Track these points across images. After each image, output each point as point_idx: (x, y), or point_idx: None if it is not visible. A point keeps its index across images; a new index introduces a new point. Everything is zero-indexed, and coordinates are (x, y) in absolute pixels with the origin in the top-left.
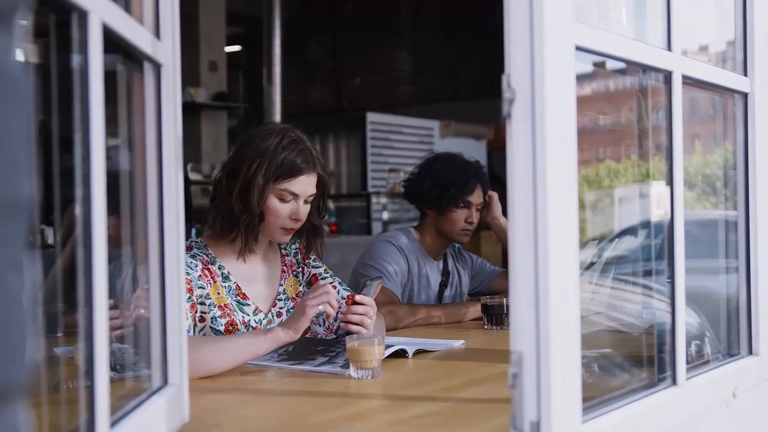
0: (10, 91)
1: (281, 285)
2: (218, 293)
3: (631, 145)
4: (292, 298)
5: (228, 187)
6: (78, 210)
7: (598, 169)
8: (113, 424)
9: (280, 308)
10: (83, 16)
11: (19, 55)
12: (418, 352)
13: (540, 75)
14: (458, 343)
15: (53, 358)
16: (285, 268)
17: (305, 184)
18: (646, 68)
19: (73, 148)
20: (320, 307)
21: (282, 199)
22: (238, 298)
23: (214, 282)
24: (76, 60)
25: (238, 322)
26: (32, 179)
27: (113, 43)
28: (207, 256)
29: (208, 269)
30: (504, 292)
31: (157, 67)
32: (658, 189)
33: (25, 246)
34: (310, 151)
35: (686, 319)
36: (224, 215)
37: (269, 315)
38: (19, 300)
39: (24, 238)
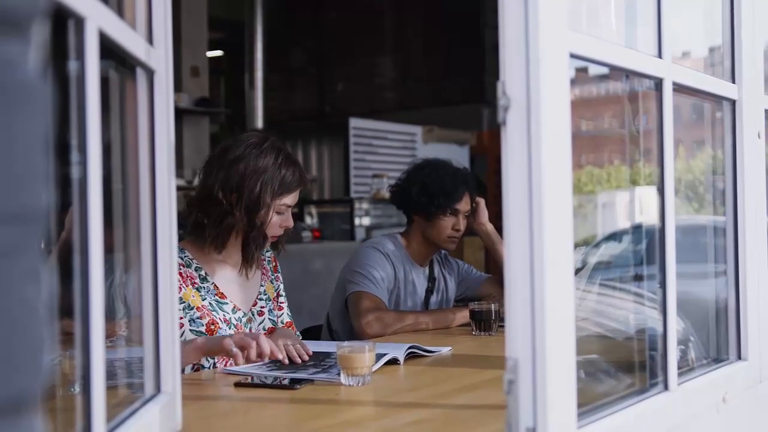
0: (27, 100)
1: (262, 285)
2: (193, 296)
3: (614, 151)
4: (273, 299)
5: (228, 202)
6: (74, 216)
7: (580, 174)
8: None
9: (261, 307)
10: (80, 22)
11: (36, 64)
12: (410, 357)
13: (535, 82)
14: (446, 350)
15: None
16: (264, 270)
17: (297, 196)
18: (637, 75)
19: (69, 154)
20: (234, 349)
21: (278, 212)
22: (217, 297)
23: (187, 286)
24: (72, 66)
25: (218, 320)
26: (49, 188)
27: (107, 48)
28: (182, 259)
29: (180, 274)
30: (491, 297)
31: (150, 73)
32: (641, 194)
33: (41, 255)
34: (300, 164)
35: None
36: (226, 231)
37: (249, 314)
38: (37, 309)
39: (40, 247)
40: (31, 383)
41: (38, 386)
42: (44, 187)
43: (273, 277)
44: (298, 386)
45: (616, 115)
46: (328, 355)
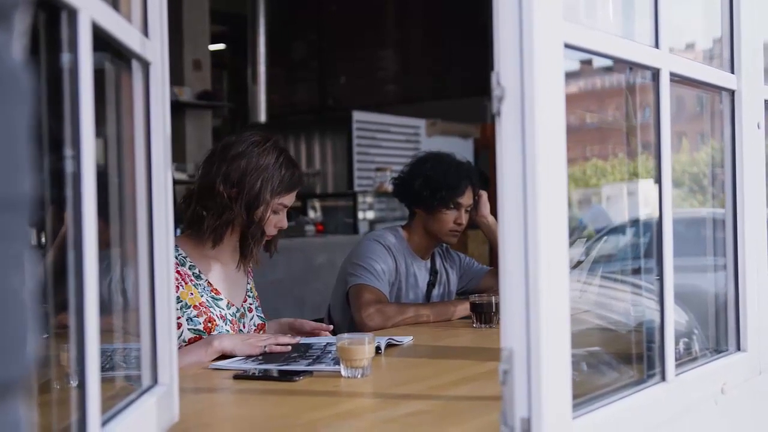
0: (10, 89)
1: (248, 284)
2: (191, 294)
3: (618, 144)
4: (256, 297)
5: (228, 196)
6: (68, 211)
7: (585, 167)
8: (104, 423)
9: (250, 304)
10: (73, 14)
11: (18, 53)
12: (388, 346)
13: (529, 73)
14: (408, 339)
15: (41, 359)
16: (249, 270)
17: (294, 197)
18: (634, 65)
19: (61, 147)
20: (266, 349)
21: (275, 212)
22: (212, 294)
23: (186, 284)
24: (65, 58)
25: (215, 317)
26: (32, 177)
27: (101, 41)
28: (176, 258)
29: (178, 272)
30: (492, 290)
31: (145, 65)
32: (645, 187)
33: (26, 243)
34: (299, 167)
35: (674, 317)
36: (224, 225)
37: (242, 309)
38: (21, 297)
39: (25, 235)
40: (15, 369)
41: (22, 373)
42: (28, 176)
43: (252, 276)
44: (297, 378)
45: (621, 107)
46: (309, 346)
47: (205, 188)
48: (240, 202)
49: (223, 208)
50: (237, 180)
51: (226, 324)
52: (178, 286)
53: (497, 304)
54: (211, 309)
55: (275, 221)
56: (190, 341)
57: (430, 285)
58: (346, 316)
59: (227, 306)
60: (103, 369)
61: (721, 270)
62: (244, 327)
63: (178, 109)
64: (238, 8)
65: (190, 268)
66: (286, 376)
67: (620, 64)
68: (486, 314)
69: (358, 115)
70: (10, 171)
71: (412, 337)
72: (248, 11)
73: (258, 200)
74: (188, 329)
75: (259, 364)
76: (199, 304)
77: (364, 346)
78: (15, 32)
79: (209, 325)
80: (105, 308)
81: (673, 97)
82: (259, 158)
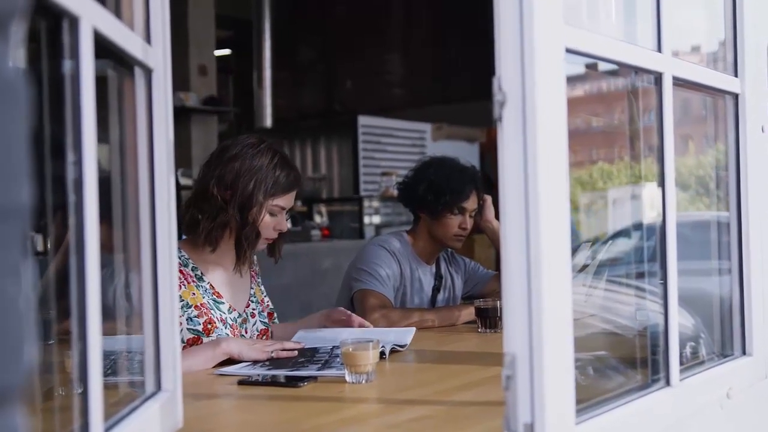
0: (7, 97)
1: (252, 288)
2: (193, 294)
3: (623, 147)
4: (260, 301)
5: (222, 198)
6: (70, 217)
7: (591, 170)
8: (107, 429)
9: (253, 309)
10: (74, 21)
11: (16, 62)
12: (392, 352)
13: (530, 78)
14: (410, 332)
15: (46, 365)
16: (253, 274)
17: (292, 199)
18: (636, 70)
19: (64, 154)
20: (273, 354)
21: (272, 214)
22: (214, 296)
23: (188, 284)
24: (66, 65)
25: (215, 319)
26: (29, 185)
27: (103, 48)
28: (179, 258)
29: (180, 272)
30: (497, 294)
31: (148, 72)
32: (651, 190)
33: (23, 251)
34: (296, 168)
35: (680, 321)
36: (219, 227)
37: (243, 314)
38: (17, 304)
39: (22, 243)
40: (12, 377)
41: (18, 381)
42: (26, 185)
43: (259, 281)
44: (302, 384)
45: (626, 110)
46: (316, 351)
47: (201, 191)
48: (234, 204)
49: (218, 211)
50: (231, 182)
51: (226, 327)
52: (180, 285)
53: (502, 309)
54: (212, 311)
55: (274, 224)
56: (189, 342)
57: (435, 290)
58: None
59: (228, 310)
60: (105, 374)
61: (727, 274)
62: (246, 332)
63: (183, 114)
64: (243, 13)
65: (192, 270)
66: (291, 381)
67: (624, 68)
68: (491, 319)
69: (363, 120)
70: (8, 180)
71: (414, 328)
72: (253, 16)
73: (251, 201)
74: (187, 329)
75: (267, 369)
76: (201, 304)
77: (368, 352)
78: (12, 41)
79: (209, 326)
80: (109, 314)
81: (678, 100)
82: (253, 159)
